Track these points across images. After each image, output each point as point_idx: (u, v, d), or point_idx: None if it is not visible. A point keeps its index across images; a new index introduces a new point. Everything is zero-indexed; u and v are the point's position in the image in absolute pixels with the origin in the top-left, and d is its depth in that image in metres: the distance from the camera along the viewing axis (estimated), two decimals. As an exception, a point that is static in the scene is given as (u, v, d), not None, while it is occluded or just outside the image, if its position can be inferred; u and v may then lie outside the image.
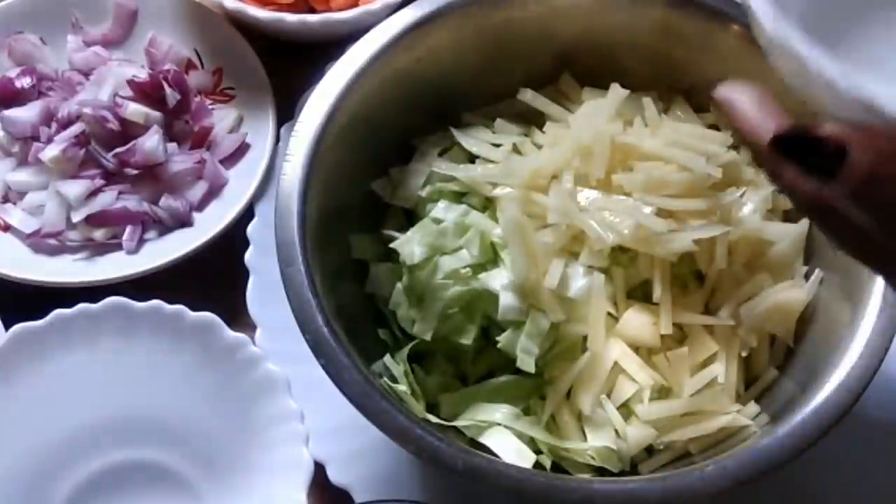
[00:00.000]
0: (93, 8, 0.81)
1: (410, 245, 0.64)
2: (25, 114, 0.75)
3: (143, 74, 0.77)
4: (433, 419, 0.61)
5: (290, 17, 0.76)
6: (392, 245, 0.64)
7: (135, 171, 0.74)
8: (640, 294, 0.63)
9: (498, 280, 0.62)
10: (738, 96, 0.43)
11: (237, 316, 0.70)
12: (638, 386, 0.60)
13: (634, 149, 0.64)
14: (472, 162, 0.68)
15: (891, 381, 0.63)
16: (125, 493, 0.67)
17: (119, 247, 0.73)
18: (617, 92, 0.66)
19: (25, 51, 0.79)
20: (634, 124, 0.66)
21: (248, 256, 0.71)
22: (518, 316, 0.61)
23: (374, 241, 0.67)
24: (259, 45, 0.79)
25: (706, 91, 0.67)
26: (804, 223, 0.65)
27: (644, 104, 0.66)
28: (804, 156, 0.38)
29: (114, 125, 0.74)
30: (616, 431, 0.61)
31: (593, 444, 0.61)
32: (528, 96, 0.69)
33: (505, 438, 0.61)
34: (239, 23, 0.79)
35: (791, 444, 0.56)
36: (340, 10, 0.77)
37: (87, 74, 0.79)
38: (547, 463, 0.61)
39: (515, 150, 0.67)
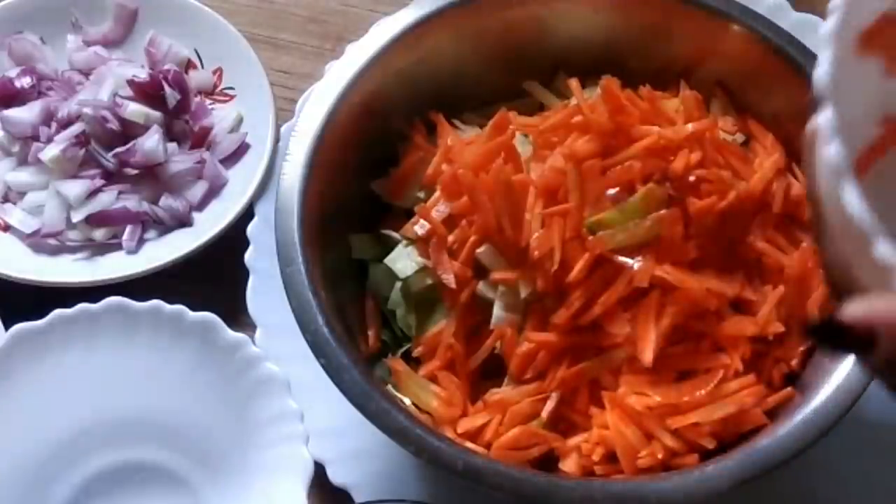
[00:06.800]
0: (93, 8, 0.81)
1: (402, 260, 0.64)
2: (25, 114, 0.75)
3: (143, 74, 0.77)
4: (433, 419, 0.61)
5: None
6: (385, 261, 0.65)
7: (135, 171, 0.74)
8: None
9: (492, 289, 0.62)
10: None
11: (237, 316, 0.70)
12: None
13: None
14: (472, 162, 0.68)
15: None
16: (125, 494, 0.67)
17: (119, 247, 0.73)
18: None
19: (25, 51, 0.79)
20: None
21: (248, 256, 0.71)
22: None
23: (374, 241, 0.67)
24: (259, 45, 0.79)
25: (705, 91, 0.68)
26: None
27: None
28: (836, 342, 0.37)
29: (114, 125, 0.74)
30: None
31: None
32: (532, 87, 0.70)
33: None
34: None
35: (791, 444, 0.56)
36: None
37: (87, 74, 0.78)
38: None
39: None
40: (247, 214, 0.73)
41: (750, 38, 0.66)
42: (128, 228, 0.73)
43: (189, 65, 0.80)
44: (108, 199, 0.73)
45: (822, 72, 0.32)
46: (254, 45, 0.79)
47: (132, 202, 0.74)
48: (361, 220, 0.68)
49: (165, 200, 0.74)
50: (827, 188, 0.33)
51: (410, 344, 0.64)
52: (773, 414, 0.60)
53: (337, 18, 0.84)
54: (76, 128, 0.74)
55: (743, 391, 0.59)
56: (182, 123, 0.77)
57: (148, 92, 0.76)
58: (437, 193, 0.64)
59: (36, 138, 0.75)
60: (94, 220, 0.73)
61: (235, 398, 0.67)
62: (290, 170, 0.62)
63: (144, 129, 0.75)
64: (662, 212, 0.59)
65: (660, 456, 0.58)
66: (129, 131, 0.75)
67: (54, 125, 0.75)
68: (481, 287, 0.62)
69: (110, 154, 0.74)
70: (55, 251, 0.73)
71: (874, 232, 0.30)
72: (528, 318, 0.61)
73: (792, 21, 0.75)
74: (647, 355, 0.58)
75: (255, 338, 0.68)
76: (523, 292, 0.60)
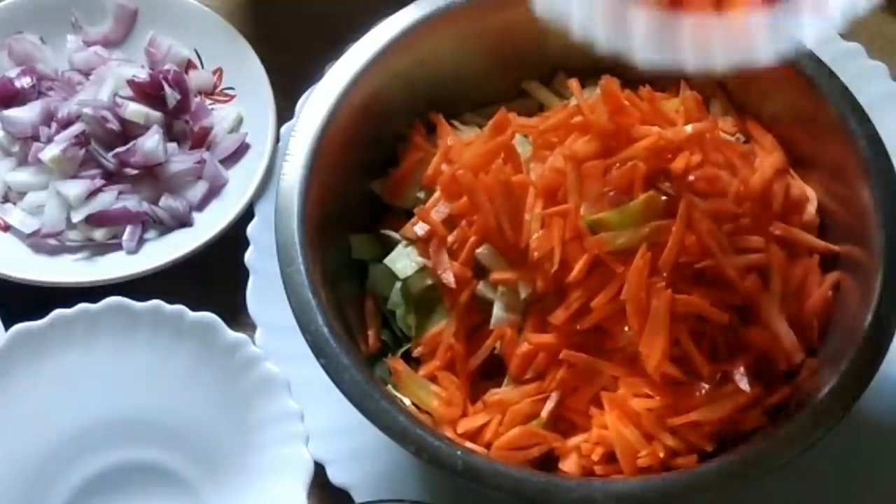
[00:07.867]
0: (93, 8, 0.81)
1: (402, 260, 0.64)
2: (25, 114, 0.75)
3: (143, 74, 0.77)
4: (433, 419, 0.61)
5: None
6: (385, 261, 0.65)
7: (135, 171, 0.74)
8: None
9: (492, 289, 0.62)
10: None
11: (237, 316, 0.70)
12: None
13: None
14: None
15: (891, 381, 0.63)
16: (125, 494, 0.67)
17: (119, 247, 0.73)
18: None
19: (25, 51, 0.79)
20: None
21: (248, 256, 0.71)
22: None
23: (373, 241, 0.68)
24: (259, 44, 0.79)
25: (705, 92, 0.68)
26: None
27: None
28: None
29: (114, 125, 0.74)
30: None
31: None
32: (532, 87, 0.70)
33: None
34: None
35: (791, 444, 0.56)
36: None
37: (87, 74, 0.79)
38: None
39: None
40: (247, 214, 0.73)
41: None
42: (128, 228, 0.73)
43: (189, 65, 0.80)
44: (108, 199, 0.73)
45: None
46: (254, 45, 0.79)
47: (132, 202, 0.74)
48: (361, 220, 0.68)
49: (165, 200, 0.74)
50: None
51: (410, 344, 0.64)
52: (773, 414, 0.60)
53: (337, 18, 0.84)
54: (76, 128, 0.74)
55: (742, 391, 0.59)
56: (182, 123, 0.77)
57: (148, 92, 0.76)
58: (437, 194, 0.64)
59: (36, 138, 0.75)
60: (94, 220, 0.73)
61: (235, 398, 0.67)
62: (290, 170, 0.62)
63: (144, 129, 0.75)
64: (662, 222, 0.59)
65: (661, 455, 0.58)
66: (129, 131, 0.75)
67: (54, 125, 0.75)
68: (481, 287, 0.62)
69: (110, 154, 0.74)
70: (55, 251, 0.73)
71: None
72: (528, 318, 0.61)
73: (792, 21, 0.75)
74: (655, 364, 0.58)
75: (255, 338, 0.68)
76: (523, 293, 0.61)
